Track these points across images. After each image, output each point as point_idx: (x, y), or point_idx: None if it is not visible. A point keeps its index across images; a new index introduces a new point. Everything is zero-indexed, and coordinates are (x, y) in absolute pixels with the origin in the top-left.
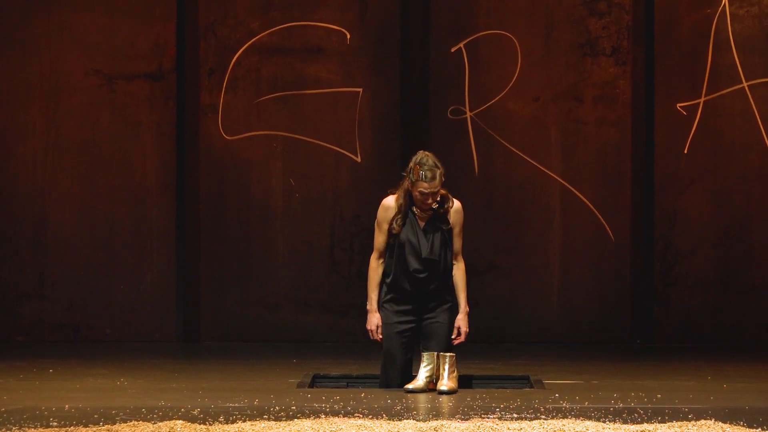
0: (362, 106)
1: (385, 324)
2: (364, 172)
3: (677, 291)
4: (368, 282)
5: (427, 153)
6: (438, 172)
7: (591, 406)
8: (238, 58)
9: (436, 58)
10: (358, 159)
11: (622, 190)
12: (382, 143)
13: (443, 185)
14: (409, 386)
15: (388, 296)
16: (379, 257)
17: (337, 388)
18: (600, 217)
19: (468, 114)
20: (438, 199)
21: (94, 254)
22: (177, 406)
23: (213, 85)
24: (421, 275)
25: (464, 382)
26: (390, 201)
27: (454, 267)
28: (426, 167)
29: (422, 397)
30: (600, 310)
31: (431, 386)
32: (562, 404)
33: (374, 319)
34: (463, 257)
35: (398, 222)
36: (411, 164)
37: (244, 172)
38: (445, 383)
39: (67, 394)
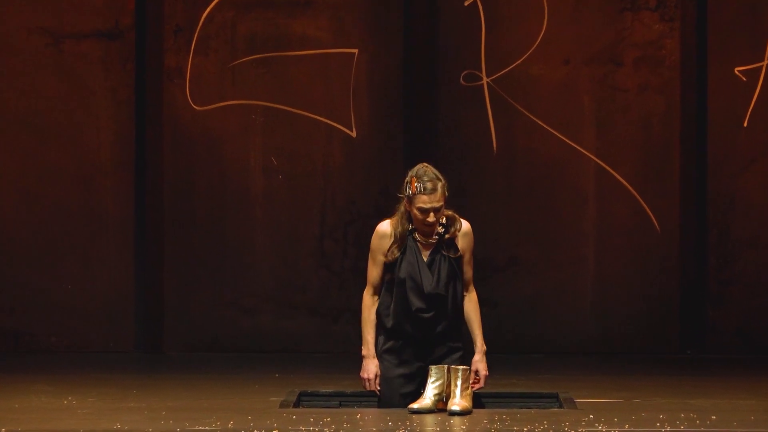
0: (358, 71)
1: (385, 379)
2: (360, 149)
3: (735, 291)
4: (362, 322)
5: (426, 165)
6: (440, 184)
7: (632, 429)
8: (209, 13)
9: (447, 13)
10: (353, 133)
11: (669, 170)
12: (382, 115)
13: (449, 206)
14: (414, 405)
15: (387, 344)
16: (374, 293)
17: (328, 407)
18: (642, 202)
19: (484, 80)
20: (443, 220)
21: (37, 247)
22: (136, 430)
23: (180, 45)
24: (426, 315)
25: (480, 400)
26: (385, 227)
27: (465, 298)
28: (425, 178)
29: (430, 418)
30: (643, 313)
31: (440, 405)
32: (597, 427)
33: (371, 367)
34: (477, 255)
35: (393, 252)
36: (407, 178)
37: (216, 148)
38: (458, 402)
39: (4, 415)
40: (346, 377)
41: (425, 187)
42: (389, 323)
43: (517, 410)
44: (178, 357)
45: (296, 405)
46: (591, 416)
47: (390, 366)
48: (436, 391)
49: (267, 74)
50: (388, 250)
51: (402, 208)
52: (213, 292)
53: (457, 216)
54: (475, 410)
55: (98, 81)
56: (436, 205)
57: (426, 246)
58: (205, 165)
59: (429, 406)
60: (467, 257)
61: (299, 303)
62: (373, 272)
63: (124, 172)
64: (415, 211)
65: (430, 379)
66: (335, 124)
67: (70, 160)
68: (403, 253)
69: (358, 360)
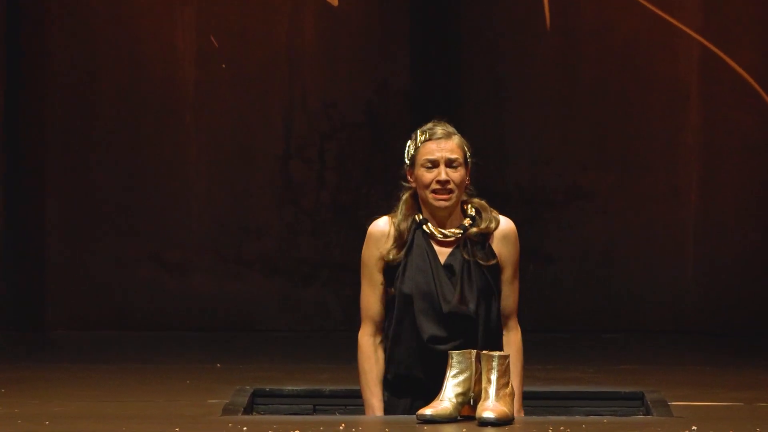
0: None
1: None
2: (344, 25)
3: None
4: (360, 376)
5: (439, 120)
6: (456, 136)
7: None
8: None
9: None
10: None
11: None
12: None
13: (477, 192)
14: (427, 411)
15: (389, 400)
16: (375, 332)
17: (297, 413)
18: None
19: None
20: (470, 210)
21: None
22: None
23: None
24: (444, 347)
25: (529, 404)
26: (381, 225)
27: (504, 337)
28: (437, 128)
29: (449, 431)
30: None
31: (466, 411)
32: None
33: None
34: (523, 185)
35: (393, 254)
36: (410, 138)
37: (127, 23)
38: (492, 406)
39: None
40: (323, 368)
41: (434, 132)
42: (390, 369)
43: (582, 419)
44: (68, 338)
45: (248, 410)
46: (694, 428)
47: None
48: (458, 390)
49: None
50: (389, 253)
51: (406, 195)
52: (121, 242)
53: (492, 210)
54: (518, 419)
55: None
56: (449, 155)
57: (443, 245)
58: (111, 48)
59: (449, 412)
60: (508, 274)
61: (252, 256)
62: (370, 298)
63: None
64: (421, 172)
65: (450, 372)
66: None
67: None
68: (408, 255)
69: (342, 343)
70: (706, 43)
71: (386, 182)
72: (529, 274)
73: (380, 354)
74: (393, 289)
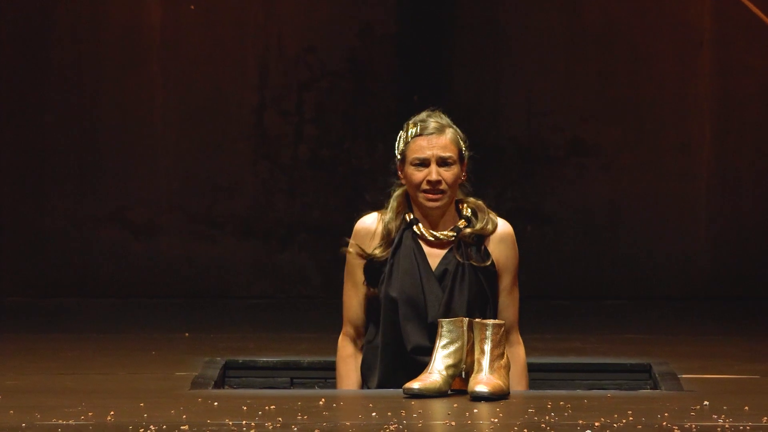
0: None
1: None
2: None
3: None
4: (336, 381)
5: (434, 109)
6: (451, 130)
7: None
8: None
9: None
10: None
11: None
12: None
13: (472, 190)
14: (415, 385)
15: None
16: (356, 337)
17: (272, 387)
18: None
19: None
20: (465, 211)
21: None
22: None
23: None
24: (427, 358)
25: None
26: (369, 221)
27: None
28: (430, 119)
29: (439, 406)
30: None
31: (457, 385)
32: (717, 422)
33: None
34: (516, 137)
35: (379, 253)
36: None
37: None
38: (485, 379)
39: None
40: (301, 338)
41: (425, 126)
42: (373, 379)
43: (583, 393)
44: (22, 306)
45: (219, 384)
46: (706, 403)
47: None
48: (449, 362)
49: None
50: (372, 251)
51: (398, 193)
52: (80, 201)
53: (490, 211)
54: (514, 393)
55: None
56: (441, 153)
57: (435, 246)
58: None
59: (438, 385)
60: (507, 281)
61: (224, 217)
62: (352, 300)
63: None
64: (411, 170)
65: (440, 342)
66: None
67: None
68: (394, 255)
69: (321, 311)
70: None
71: (370, 137)
72: (526, 235)
73: (359, 359)
74: (376, 290)
